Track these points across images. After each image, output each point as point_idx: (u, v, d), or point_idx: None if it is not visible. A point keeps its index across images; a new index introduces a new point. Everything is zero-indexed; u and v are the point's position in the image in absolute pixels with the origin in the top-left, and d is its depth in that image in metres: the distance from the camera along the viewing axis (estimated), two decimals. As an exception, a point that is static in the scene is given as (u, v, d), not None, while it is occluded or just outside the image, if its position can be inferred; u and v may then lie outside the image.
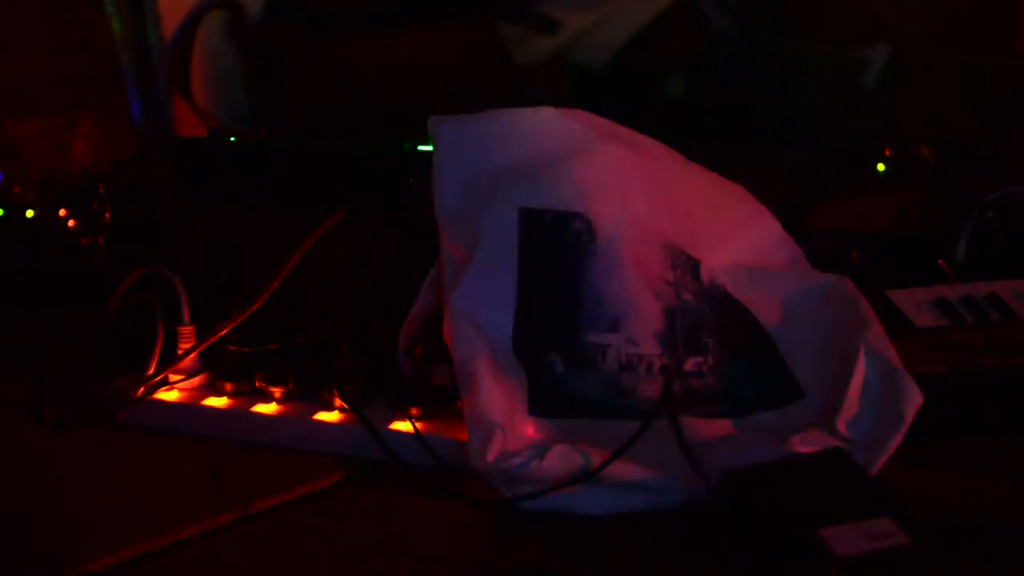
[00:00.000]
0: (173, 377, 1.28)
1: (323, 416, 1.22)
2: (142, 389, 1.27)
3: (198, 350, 1.27)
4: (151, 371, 1.28)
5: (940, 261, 1.53)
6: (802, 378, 1.16)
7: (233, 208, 1.41)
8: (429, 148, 1.18)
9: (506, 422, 1.08)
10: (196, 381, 1.28)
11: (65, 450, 1.24)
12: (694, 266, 1.19)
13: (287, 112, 2.23)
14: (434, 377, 1.21)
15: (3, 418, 1.32)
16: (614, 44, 1.95)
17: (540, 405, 1.11)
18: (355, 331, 1.25)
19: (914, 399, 1.13)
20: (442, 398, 1.21)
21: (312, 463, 1.18)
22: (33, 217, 1.73)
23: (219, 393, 1.27)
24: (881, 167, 1.78)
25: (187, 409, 1.26)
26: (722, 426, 1.13)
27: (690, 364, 1.16)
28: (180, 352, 1.28)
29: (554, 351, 1.14)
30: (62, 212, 1.72)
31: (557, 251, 1.15)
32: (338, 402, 1.22)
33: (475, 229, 1.13)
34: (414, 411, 1.20)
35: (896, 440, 1.12)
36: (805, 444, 1.10)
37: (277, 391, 1.25)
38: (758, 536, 0.96)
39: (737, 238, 1.22)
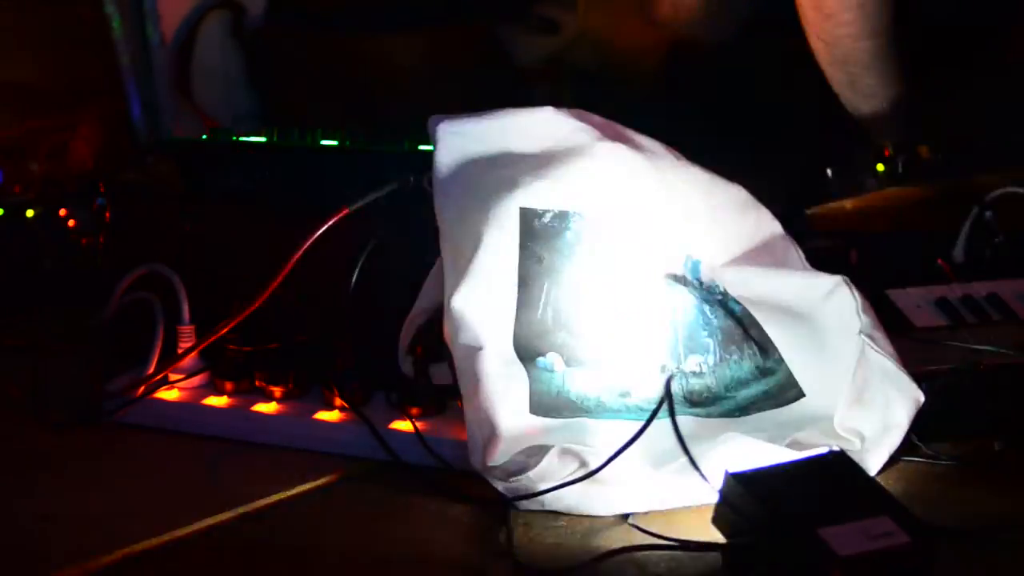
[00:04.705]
0: (173, 376, 1.28)
1: (323, 416, 1.22)
2: (142, 388, 1.27)
3: (198, 349, 1.27)
4: (151, 370, 1.28)
5: (940, 261, 1.53)
6: (802, 378, 1.16)
7: (233, 208, 1.41)
8: (429, 148, 1.18)
9: (506, 422, 1.08)
10: (196, 380, 1.29)
11: (65, 450, 1.24)
12: (694, 266, 1.19)
13: (287, 112, 2.23)
14: (434, 377, 1.21)
15: (3, 418, 1.32)
16: None
17: (540, 405, 1.11)
18: (355, 331, 1.25)
19: (914, 399, 1.13)
20: (442, 398, 1.21)
21: (312, 462, 1.18)
22: (33, 217, 1.73)
23: (219, 392, 1.27)
24: (881, 167, 1.78)
25: (187, 408, 1.26)
26: (722, 426, 1.13)
27: (690, 364, 1.16)
28: (180, 351, 1.28)
29: (554, 351, 1.14)
30: (62, 212, 1.72)
31: (557, 251, 1.15)
32: (338, 402, 1.22)
33: (475, 229, 1.13)
34: (414, 411, 1.20)
35: (896, 440, 1.13)
36: (805, 444, 1.10)
37: (277, 391, 1.25)
38: (758, 536, 0.96)
39: (737, 238, 1.22)
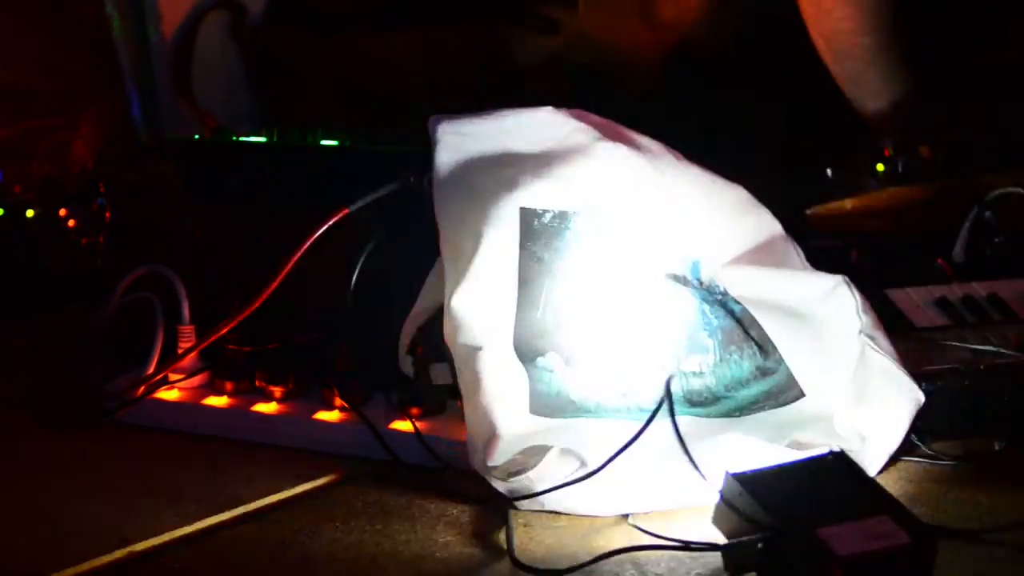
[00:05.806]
0: (173, 376, 1.28)
1: (323, 416, 1.22)
2: (142, 388, 1.27)
3: (198, 349, 1.27)
4: (151, 370, 1.28)
5: (940, 261, 1.53)
6: (802, 378, 1.16)
7: (233, 208, 1.41)
8: (428, 148, 1.18)
9: (506, 422, 1.08)
10: (196, 380, 1.28)
11: (65, 450, 1.24)
12: (694, 266, 1.19)
13: (287, 112, 2.22)
14: (434, 377, 1.21)
15: (3, 418, 1.32)
16: None
17: (540, 405, 1.11)
18: (355, 331, 1.25)
19: (914, 399, 1.13)
20: (442, 398, 1.21)
21: (312, 463, 1.18)
22: (33, 217, 1.73)
23: (219, 392, 1.27)
24: (881, 167, 1.78)
25: (187, 408, 1.26)
26: (722, 426, 1.13)
27: (690, 364, 1.16)
28: (180, 351, 1.28)
29: (554, 351, 1.14)
30: (62, 212, 1.72)
31: (557, 251, 1.15)
32: (338, 402, 1.22)
33: (475, 229, 1.13)
34: (414, 411, 1.20)
35: (896, 440, 1.13)
36: (805, 444, 1.10)
37: (277, 391, 1.25)
38: (758, 536, 0.96)
39: (737, 238, 1.22)
